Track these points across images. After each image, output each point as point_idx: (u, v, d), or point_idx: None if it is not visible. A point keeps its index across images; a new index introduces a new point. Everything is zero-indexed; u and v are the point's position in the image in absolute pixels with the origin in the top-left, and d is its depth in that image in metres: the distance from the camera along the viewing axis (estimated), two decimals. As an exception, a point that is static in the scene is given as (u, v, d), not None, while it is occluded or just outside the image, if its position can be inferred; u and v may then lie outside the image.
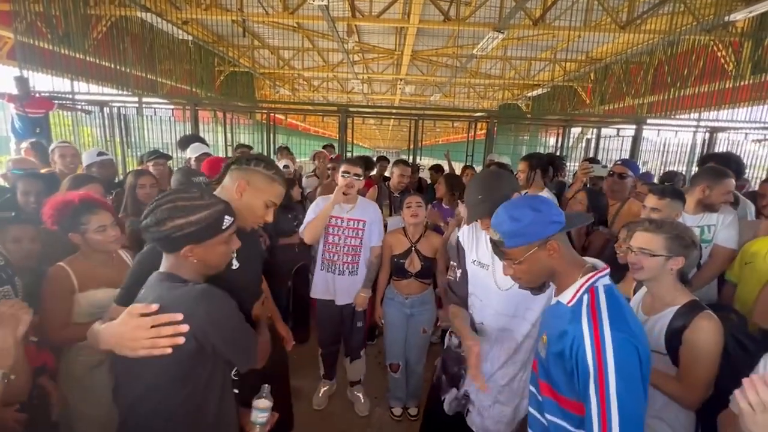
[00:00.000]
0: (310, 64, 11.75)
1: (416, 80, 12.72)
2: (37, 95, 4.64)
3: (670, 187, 2.04)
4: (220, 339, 0.98)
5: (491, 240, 1.12)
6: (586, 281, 1.02)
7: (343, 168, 2.27)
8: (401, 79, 11.76)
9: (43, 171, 2.63)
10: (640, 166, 4.83)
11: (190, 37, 7.71)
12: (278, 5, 6.93)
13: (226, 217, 1.05)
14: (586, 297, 1.01)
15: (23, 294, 1.50)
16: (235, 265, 1.31)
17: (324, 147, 5.06)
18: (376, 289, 2.50)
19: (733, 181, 2.15)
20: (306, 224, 2.32)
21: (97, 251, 1.58)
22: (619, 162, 2.82)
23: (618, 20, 6.56)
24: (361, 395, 2.67)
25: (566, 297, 1.04)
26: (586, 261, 1.10)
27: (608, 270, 1.05)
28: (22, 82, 4.49)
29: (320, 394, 2.67)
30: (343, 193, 2.20)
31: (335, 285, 2.40)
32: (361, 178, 2.30)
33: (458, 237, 1.64)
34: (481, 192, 1.41)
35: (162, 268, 1.07)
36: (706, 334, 1.27)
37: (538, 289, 1.12)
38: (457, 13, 6.84)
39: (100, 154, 3.06)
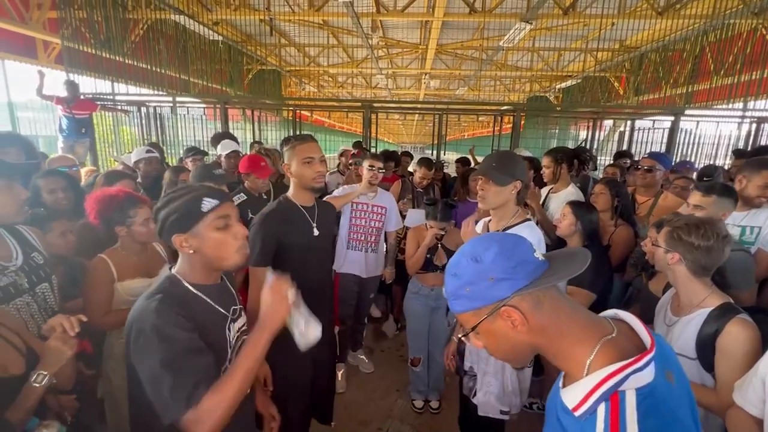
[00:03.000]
0: (335, 61, 11.87)
1: (441, 74, 12.57)
2: (82, 97, 4.95)
3: (720, 183, 1.86)
4: (140, 370, 0.90)
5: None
6: (606, 379, 0.61)
7: (368, 162, 2.53)
8: (426, 74, 11.66)
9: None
10: (686, 159, 4.55)
11: (221, 37, 7.97)
12: (304, 3, 7.04)
13: (206, 199, 0.98)
14: (603, 408, 0.61)
15: (59, 288, 1.57)
16: (316, 232, 1.72)
17: (354, 144, 5.11)
18: (409, 267, 2.61)
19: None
20: (331, 196, 2.56)
21: (134, 243, 1.69)
22: (646, 155, 2.70)
23: (655, 6, 6.23)
24: (364, 357, 3.01)
25: (571, 400, 0.65)
26: (604, 323, 0.69)
27: (648, 357, 0.62)
28: (72, 86, 4.81)
29: (339, 378, 2.76)
30: (370, 183, 2.48)
31: (366, 261, 2.72)
32: (383, 171, 2.58)
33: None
34: (495, 161, 1.59)
35: (167, 272, 1.06)
36: (738, 340, 1.17)
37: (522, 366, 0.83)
38: (483, 4, 6.71)
39: (149, 151, 3.21)
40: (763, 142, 4.67)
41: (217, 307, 1.04)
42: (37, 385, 1.05)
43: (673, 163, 3.54)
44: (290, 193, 1.74)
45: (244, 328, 1.15)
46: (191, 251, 0.99)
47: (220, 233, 1.00)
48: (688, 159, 4.99)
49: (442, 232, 2.30)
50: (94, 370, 1.69)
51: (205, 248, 0.99)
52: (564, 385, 0.69)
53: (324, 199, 2.51)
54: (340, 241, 2.73)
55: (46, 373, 1.06)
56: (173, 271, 1.04)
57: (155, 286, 1.01)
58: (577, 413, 0.64)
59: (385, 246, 2.93)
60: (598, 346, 0.65)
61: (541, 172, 2.80)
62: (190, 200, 0.98)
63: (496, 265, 0.67)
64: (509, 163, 1.57)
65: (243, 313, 1.17)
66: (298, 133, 6.54)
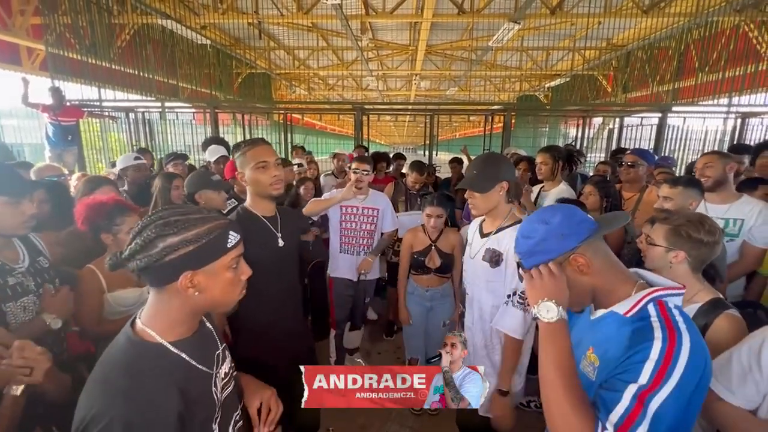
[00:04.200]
0: (325, 63, 11.85)
1: (431, 75, 12.62)
2: (69, 104, 4.87)
3: (685, 175, 1.96)
4: None
5: (517, 263, 1.01)
6: (650, 293, 0.84)
7: (354, 165, 2.50)
8: (416, 75, 11.70)
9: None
10: (666, 155, 4.66)
11: (209, 41, 7.91)
12: (292, 6, 7.02)
13: (231, 233, 0.83)
14: (652, 307, 0.83)
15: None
16: (281, 243, 1.59)
17: (356, 148, 5.09)
18: (398, 290, 2.57)
19: (733, 162, 2.06)
20: (312, 200, 2.44)
21: None
22: (629, 151, 2.75)
23: (640, 4, 6.32)
24: (361, 360, 2.94)
25: (623, 308, 0.86)
26: (637, 274, 0.92)
27: (682, 290, 0.85)
28: (57, 92, 4.73)
29: None
30: (356, 187, 2.37)
31: (357, 264, 2.65)
32: (370, 173, 2.52)
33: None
34: (477, 168, 1.59)
35: (128, 331, 0.80)
36: (726, 335, 1.18)
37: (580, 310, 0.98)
38: (471, 5, 6.75)
39: (137, 158, 3.17)
40: (747, 137, 4.75)
41: (200, 367, 0.85)
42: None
43: (658, 158, 3.63)
44: (248, 202, 1.61)
45: (230, 372, 0.99)
46: (196, 293, 0.80)
47: (233, 273, 0.85)
48: (675, 154, 5.08)
49: (439, 217, 2.34)
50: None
51: (213, 290, 0.82)
52: (599, 308, 0.92)
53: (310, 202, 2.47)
54: (333, 245, 2.69)
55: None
56: (140, 324, 0.81)
57: (114, 355, 0.78)
58: (629, 315, 0.84)
59: None
60: (636, 287, 0.87)
61: (536, 169, 2.81)
62: (214, 231, 0.80)
63: (563, 225, 0.88)
64: (490, 167, 1.58)
65: (227, 353, 0.99)
66: (290, 136, 6.52)
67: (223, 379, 0.93)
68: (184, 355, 0.82)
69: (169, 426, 0.73)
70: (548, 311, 0.86)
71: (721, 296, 1.30)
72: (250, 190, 1.58)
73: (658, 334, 0.77)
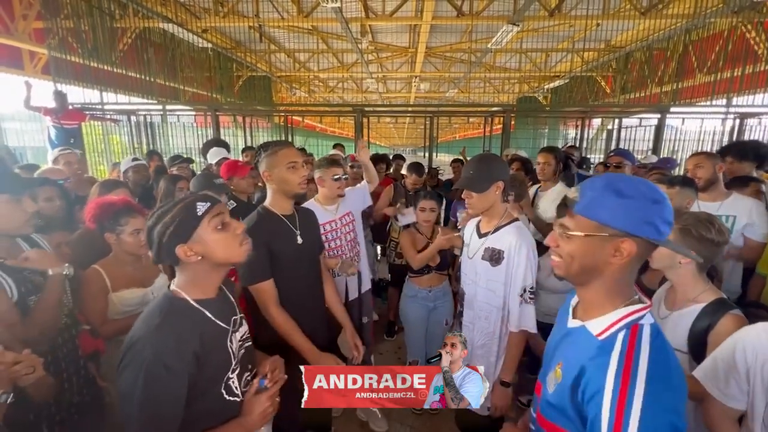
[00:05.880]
0: (325, 66, 11.90)
1: (431, 77, 12.67)
2: (71, 107, 4.91)
3: (681, 175, 2.00)
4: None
5: (567, 197, 0.87)
6: (629, 315, 0.80)
7: (332, 172, 2.17)
8: (416, 77, 11.75)
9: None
10: (667, 156, 4.70)
11: (210, 45, 7.96)
12: (293, 9, 7.07)
13: (199, 203, 0.99)
14: (623, 335, 0.78)
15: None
16: (300, 240, 1.65)
17: (334, 146, 5.12)
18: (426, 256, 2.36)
19: (721, 161, 2.15)
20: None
21: (127, 253, 1.69)
22: (612, 153, 2.81)
23: (638, 6, 6.36)
24: (377, 410, 2.42)
25: (596, 327, 0.82)
26: (635, 292, 0.86)
27: (649, 306, 0.83)
28: (60, 96, 4.76)
29: None
30: (338, 195, 2.21)
31: (347, 284, 2.31)
32: (347, 177, 2.29)
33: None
34: (473, 169, 1.62)
35: (166, 291, 1.04)
36: (731, 335, 1.15)
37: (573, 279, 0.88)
38: (471, 7, 6.79)
39: (135, 159, 3.25)
40: (745, 138, 4.77)
41: (218, 322, 1.03)
42: None
43: (658, 159, 3.67)
44: (268, 202, 1.65)
45: (246, 336, 1.15)
46: (198, 258, 0.97)
47: (221, 233, 1.00)
48: (674, 154, 5.11)
49: (434, 216, 2.38)
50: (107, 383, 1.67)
51: (211, 251, 0.99)
52: (580, 317, 0.88)
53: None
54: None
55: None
56: (172, 287, 1.02)
57: (154, 304, 1.00)
58: (601, 338, 0.80)
59: (366, 248, 2.53)
60: (628, 302, 0.82)
61: (537, 168, 2.82)
62: (183, 208, 0.98)
63: (662, 214, 0.77)
64: (486, 167, 1.61)
65: (244, 322, 1.16)
66: (291, 138, 6.55)
67: (239, 340, 1.10)
68: (204, 310, 1.01)
69: (185, 358, 0.93)
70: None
71: (725, 296, 1.30)
72: (274, 189, 1.63)
73: (611, 373, 0.73)
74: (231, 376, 1.04)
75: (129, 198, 1.88)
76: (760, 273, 2.00)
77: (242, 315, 1.16)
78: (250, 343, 1.16)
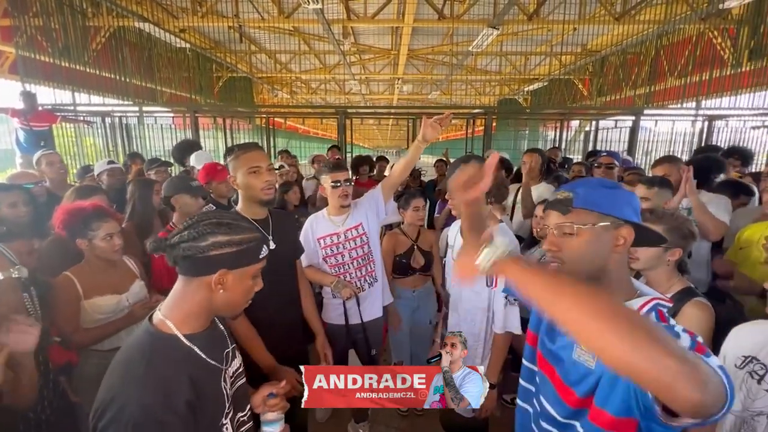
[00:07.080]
0: (307, 67, 11.82)
1: (413, 79, 12.76)
2: (41, 108, 4.71)
3: (658, 176, 2.08)
4: None
5: (557, 199, 0.89)
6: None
7: (330, 177, 1.94)
8: (398, 78, 11.80)
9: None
10: (642, 157, 4.88)
11: (188, 45, 7.79)
12: (273, 10, 6.99)
13: (265, 247, 0.95)
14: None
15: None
16: (272, 245, 1.54)
17: (330, 149, 5.08)
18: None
19: (683, 164, 2.25)
20: (308, 269, 2.02)
21: (100, 259, 1.64)
22: (604, 153, 2.89)
23: (612, 12, 6.57)
24: None
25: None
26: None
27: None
28: (29, 97, 4.56)
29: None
30: (341, 206, 1.98)
31: (359, 306, 2.02)
32: (351, 184, 2.00)
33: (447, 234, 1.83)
34: (456, 170, 1.61)
35: (146, 324, 0.88)
36: (691, 322, 1.23)
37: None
38: (452, 10, 6.88)
39: (110, 162, 3.17)
40: (714, 139, 4.98)
41: (210, 361, 0.90)
42: None
43: (633, 160, 3.80)
44: (239, 206, 1.60)
45: (239, 371, 1.03)
46: (220, 291, 0.88)
47: (252, 282, 0.94)
48: (648, 155, 5.31)
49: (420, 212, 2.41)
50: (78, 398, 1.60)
51: (234, 292, 0.90)
52: None
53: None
54: (324, 290, 2.12)
55: None
56: (159, 316, 0.89)
57: (134, 345, 0.86)
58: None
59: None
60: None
61: (524, 168, 2.86)
62: (254, 239, 0.92)
63: (636, 203, 0.86)
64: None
65: (237, 353, 1.04)
66: (272, 140, 6.47)
67: (232, 376, 0.99)
68: (195, 348, 0.87)
69: (179, 410, 0.79)
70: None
71: (692, 285, 1.38)
72: (242, 194, 1.57)
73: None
74: (225, 422, 0.91)
75: (100, 202, 1.81)
76: (731, 259, 2.09)
77: (234, 345, 1.03)
78: (243, 379, 1.03)
